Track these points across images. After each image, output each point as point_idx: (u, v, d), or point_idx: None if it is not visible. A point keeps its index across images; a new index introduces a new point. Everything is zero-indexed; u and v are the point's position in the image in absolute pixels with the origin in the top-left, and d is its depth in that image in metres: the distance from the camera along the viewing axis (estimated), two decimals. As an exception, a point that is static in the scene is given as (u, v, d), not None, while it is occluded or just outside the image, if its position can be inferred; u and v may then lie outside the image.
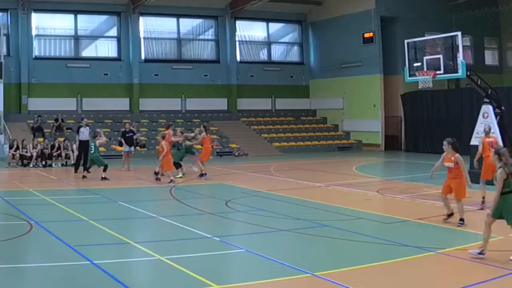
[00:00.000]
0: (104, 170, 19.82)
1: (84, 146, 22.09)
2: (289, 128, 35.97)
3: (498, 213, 9.02)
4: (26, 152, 24.87)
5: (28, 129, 29.45)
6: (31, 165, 24.58)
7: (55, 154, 25.22)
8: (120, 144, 26.25)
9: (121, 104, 33.79)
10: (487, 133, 15.31)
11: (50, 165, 24.89)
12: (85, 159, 21.82)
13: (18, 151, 24.80)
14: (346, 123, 36.35)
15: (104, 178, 19.65)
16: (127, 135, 24.00)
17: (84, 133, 22.30)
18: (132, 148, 24.32)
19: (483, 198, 13.76)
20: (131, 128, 24.74)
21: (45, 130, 29.17)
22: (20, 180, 20.11)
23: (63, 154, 25.37)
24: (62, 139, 26.91)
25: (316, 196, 15.72)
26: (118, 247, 10.03)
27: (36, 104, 31.40)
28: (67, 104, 32.22)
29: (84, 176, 20.34)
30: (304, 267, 8.44)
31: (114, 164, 26.11)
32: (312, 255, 9.63)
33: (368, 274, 8.43)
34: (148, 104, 34.21)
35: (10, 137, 27.15)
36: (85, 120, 23.18)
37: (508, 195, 8.85)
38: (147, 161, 26.93)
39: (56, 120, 29.81)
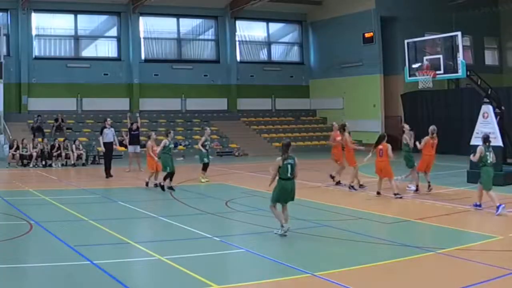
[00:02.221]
0: (165, 178, 16.94)
1: (108, 148, 21.05)
2: (289, 128, 35.96)
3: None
4: (26, 151, 24.87)
5: (28, 129, 29.43)
6: (31, 165, 24.58)
7: (55, 154, 25.23)
8: (121, 144, 26.20)
9: (121, 104, 33.73)
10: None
11: (50, 165, 24.89)
12: (109, 161, 21.02)
13: (18, 151, 24.80)
14: (346, 123, 36.28)
15: (159, 185, 17.15)
16: (132, 133, 23.80)
17: (108, 135, 21.05)
18: (138, 149, 23.67)
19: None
20: (137, 125, 24.00)
21: (45, 130, 29.16)
22: (20, 180, 20.09)
23: (63, 154, 25.37)
24: (62, 139, 26.90)
25: (316, 196, 15.72)
26: (118, 247, 10.03)
27: (36, 104, 31.37)
28: (67, 104, 32.20)
29: (109, 176, 20.07)
30: (304, 267, 8.44)
31: (114, 164, 26.13)
32: (312, 255, 9.63)
33: (368, 274, 8.43)
34: (148, 104, 34.19)
35: (10, 137, 27.14)
36: (108, 120, 21.77)
37: (285, 181, 10.87)
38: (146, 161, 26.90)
39: (56, 120, 29.81)
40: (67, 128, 30.15)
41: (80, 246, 9.67)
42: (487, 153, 13.21)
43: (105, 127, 21.17)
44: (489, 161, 13.18)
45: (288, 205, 13.70)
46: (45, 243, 10.25)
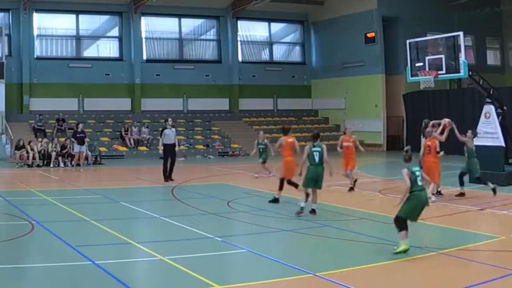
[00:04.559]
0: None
1: (169, 150, 19.37)
2: (290, 128, 35.88)
3: None
4: (32, 150, 24.88)
5: (30, 129, 29.46)
6: (34, 165, 24.58)
7: (55, 154, 25.16)
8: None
9: (123, 104, 33.78)
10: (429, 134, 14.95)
11: (53, 165, 24.84)
12: (171, 165, 19.44)
13: (24, 151, 24.76)
14: (348, 123, 36.18)
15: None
16: (77, 135, 23.71)
17: (170, 136, 19.40)
18: (83, 148, 23.90)
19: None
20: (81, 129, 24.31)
21: (46, 131, 29.16)
22: (22, 180, 20.10)
23: (65, 155, 25.34)
24: (63, 139, 26.92)
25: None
26: (120, 247, 10.03)
27: (37, 104, 31.38)
28: (69, 104, 32.23)
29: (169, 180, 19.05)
30: (305, 267, 8.44)
31: (116, 164, 26.18)
32: (314, 255, 9.62)
33: (369, 274, 8.42)
34: (149, 104, 34.19)
35: (12, 137, 27.15)
36: (170, 120, 20.25)
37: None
38: (149, 161, 26.98)
39: (58, 120, 29.81)
40: (69, 128, 30.15)
41: (82, 246, 9.66)
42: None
43: (165, 128, 19.63)
44: None
45: (288, 204, 13.73)
46: (47, 243, 10.25)
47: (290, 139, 14.62)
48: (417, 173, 9.21)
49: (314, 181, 12.73)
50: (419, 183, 9.16)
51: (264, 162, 20.68)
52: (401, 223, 9.11)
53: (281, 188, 14.36)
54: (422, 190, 9.23)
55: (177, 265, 8.63)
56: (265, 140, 21.08)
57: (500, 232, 11.13)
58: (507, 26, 37.47)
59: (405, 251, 8.91)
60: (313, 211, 12.86)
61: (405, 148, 9.65)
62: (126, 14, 34.10)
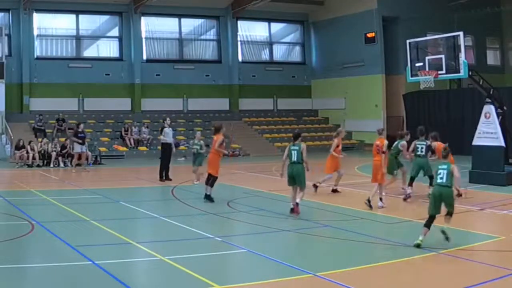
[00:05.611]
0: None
1: (167, 149, 19.56)
2: (290, 128, 35.84)
3: None
4: (32, 150, 24.87)
5: (30, 129, 29.45)
6: (34, 165, 24.57)
7: (55, 154, 25.17)
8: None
9: (123, 104, 33.78)
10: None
11: (53, 165, 24.84)
12: (167, 164, 19.50)
13: (24, 151, 24.75)
14: (348, 123, 36.28)
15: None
16: (79, 135, 23.67)
17: (169, 135, 19.63)
18: (84, 148, 23.68)
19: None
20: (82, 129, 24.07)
21: (46, 131, 29.15)
22: (22, 180, 20.09)
23: (65, 155, 25.34)
24: (63, 139, 26.92)
25: (317, 196, 15.70)
26: (120, 247, 10.03)
27: (37, 104, 31.37)
28: (69, 104, 32.22)
29: (167, 180, 19.07)
30: (305, 267, 8.44)
31: (116, 164, 26.18)
32: (314, 255, 9.63)
33: (369, 274, 8.43)
34: (149, 104, 34.19)
35: (12, 137, 27.15)
36: (168, 119, 20.61)
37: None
38: (149, 161, 26.96)
39: (58, 120, 29.81)
40: (69, 128, 30.13)
41: (82, 246, 9.66)
42: None
43: (165, 127, 19.87)
44: None
45: (289, 204, 13.70)
46: (47, 243, 10.25)
47: (215, 137, 15.13)
48: (439, 170, 9.92)
49: (291, 179, 12.72)
50: (439, 180, 9.84)
51: (200, 165, 18.13)
52: (427, 219, 9.91)
53: (207, 183, 15.19)
54: (441, 186, 9.77)
55: (177, 265, 8.64)
56: (201, 141, 18.67)
57: (500, 232, 11.14)
58: (507, 26, 37.47)
59: (417, 245, 9.59)
60: (291, 210, 12.71)
61: (444, 146, 11.13)
62: (126, 14, 34.10)
